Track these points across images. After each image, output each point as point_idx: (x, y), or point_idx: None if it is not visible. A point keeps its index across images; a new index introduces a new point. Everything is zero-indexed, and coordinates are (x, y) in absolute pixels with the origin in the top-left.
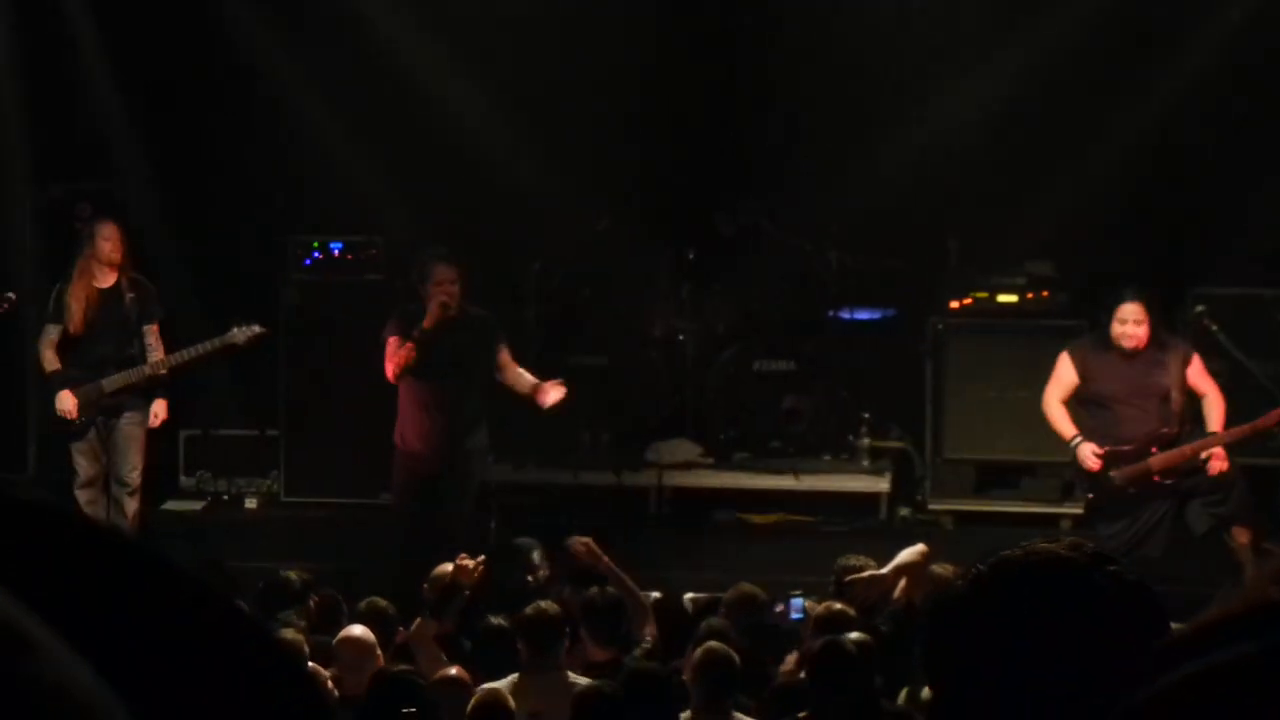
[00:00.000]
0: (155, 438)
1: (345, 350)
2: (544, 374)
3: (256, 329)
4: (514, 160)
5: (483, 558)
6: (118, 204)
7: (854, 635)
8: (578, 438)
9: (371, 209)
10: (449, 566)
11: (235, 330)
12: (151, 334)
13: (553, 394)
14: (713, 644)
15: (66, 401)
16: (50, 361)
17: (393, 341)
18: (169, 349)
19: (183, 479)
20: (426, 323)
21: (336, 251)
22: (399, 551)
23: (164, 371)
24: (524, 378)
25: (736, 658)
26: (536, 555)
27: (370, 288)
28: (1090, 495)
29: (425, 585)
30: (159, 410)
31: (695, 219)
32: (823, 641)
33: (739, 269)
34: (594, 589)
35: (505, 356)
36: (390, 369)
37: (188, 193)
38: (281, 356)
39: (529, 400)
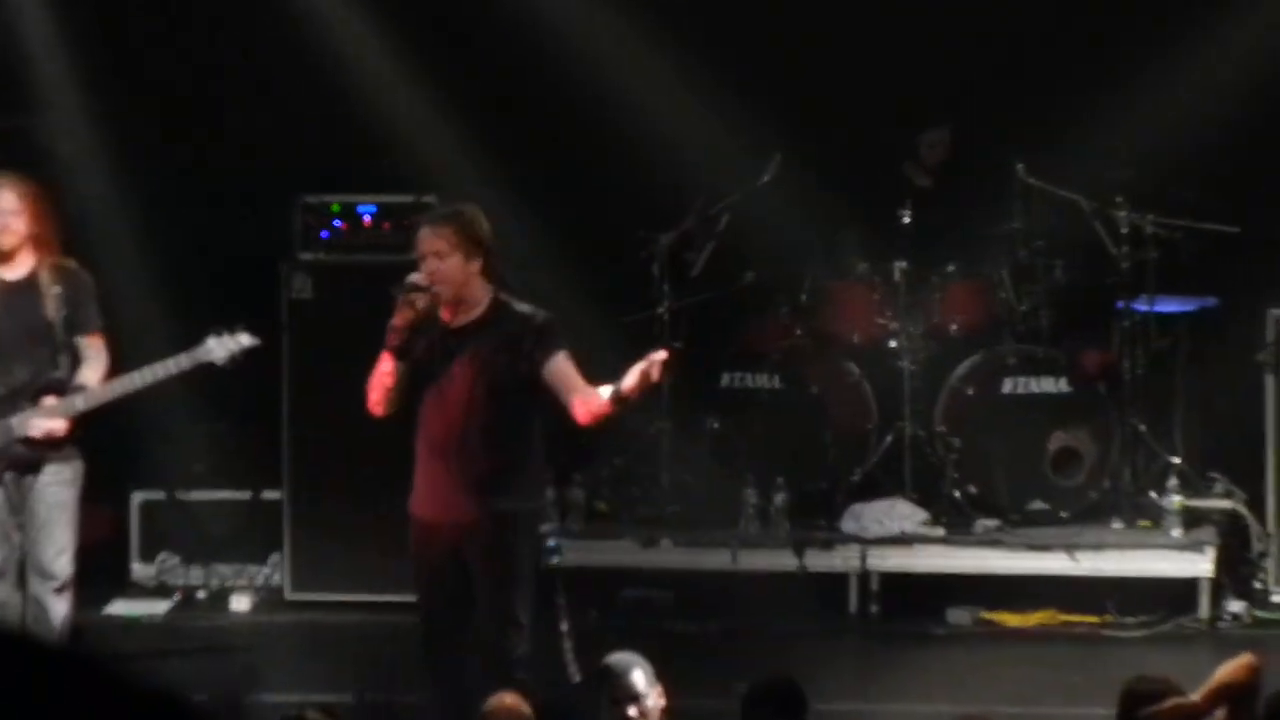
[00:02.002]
0: (92, 505)
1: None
2: (684, 404)
3: (244, 340)
4: (638, 90)
5: None
6: (37, 151)
7: None
8: (738, 499)
9: (422, 157)
10: (509, 700)
11: (212, 342)
12: (90, 347)
13: (640, 375)
14: None
15: None
16: None
17: (385, 354)
18: (116, 370)
19: (137, 567)
20: (396, 320)
21: (368, 218)
22: (428, 675)
23: (107, 400)
24: (600, 393)
25: None
26: (639, 678)
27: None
28: None
29: None
30: (52, 419)
31: (894, 166)
32: None
33: (972, 240)
34: None
35: (561, 370)
36: (371, 399)
37: (147, 137)
38: (286, 380)
39: (612, 412)
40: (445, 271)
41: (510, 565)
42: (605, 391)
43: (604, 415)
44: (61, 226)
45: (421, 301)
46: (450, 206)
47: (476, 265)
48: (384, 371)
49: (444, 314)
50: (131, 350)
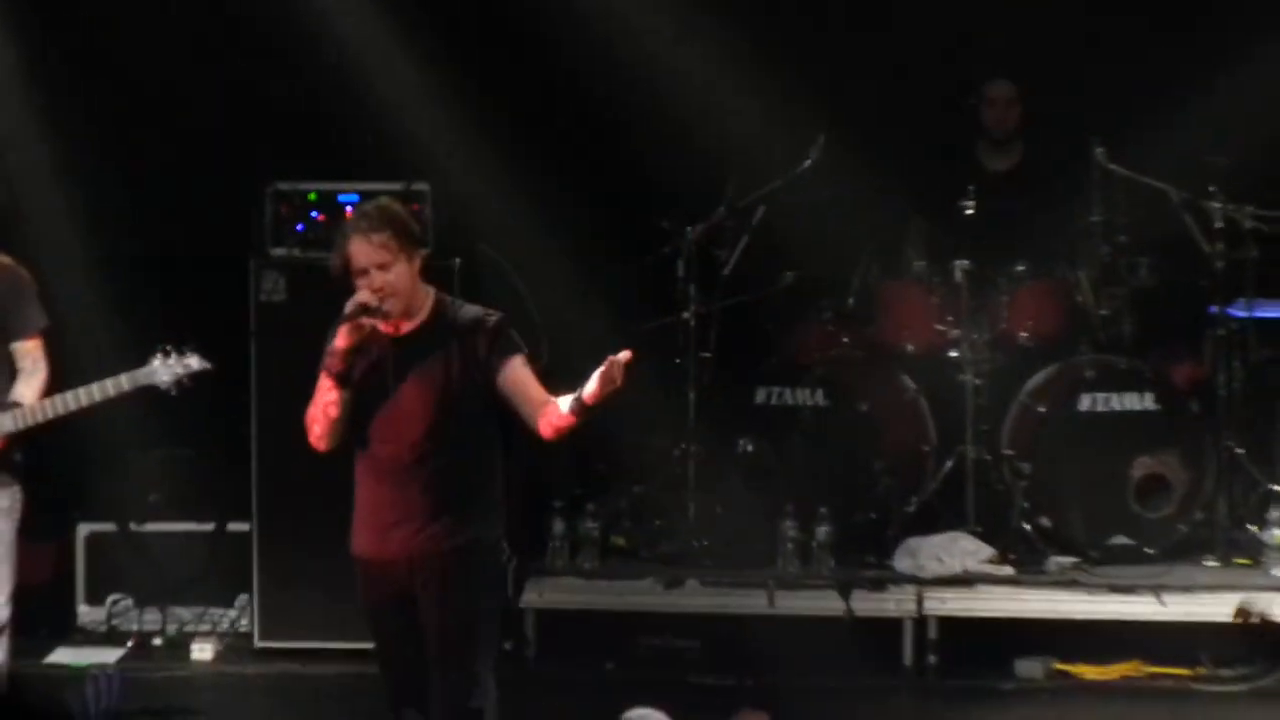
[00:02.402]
0: (32, 539)
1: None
2: (714, 424)
3: (193, 363)
4: (660, 62)
5: None
6: None
7: None
8: (775, 533)
9: (410, 137)
10: None
11: (157, 363)
12: (26, 356)
13: (601, 379)
14: None
15: None
16: None
17: (319, 384)
18: (60, 384)
19: (83, 609)
20: (339, 343)
21: (350, 208)
22: None
23: (41, 420)
24: (560, 403)
25: None
26: None
27: None
28: None
29: None
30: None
31: (956, 148)
32: None
33: (1045, 235)
34: None
35: (518, 378)
36: (312, 431)
37: (92, 111)
38: (254, 395)
39: (575, 423)
40: (393, 283)
41: (470, 605)
42: (565, 402)
43: (567, 428)
44: None
45: (371, 323)
46: (373, 206)
47: (417, 266)
48: (327, 402)
49: (384, 325)
50: (75, 362)
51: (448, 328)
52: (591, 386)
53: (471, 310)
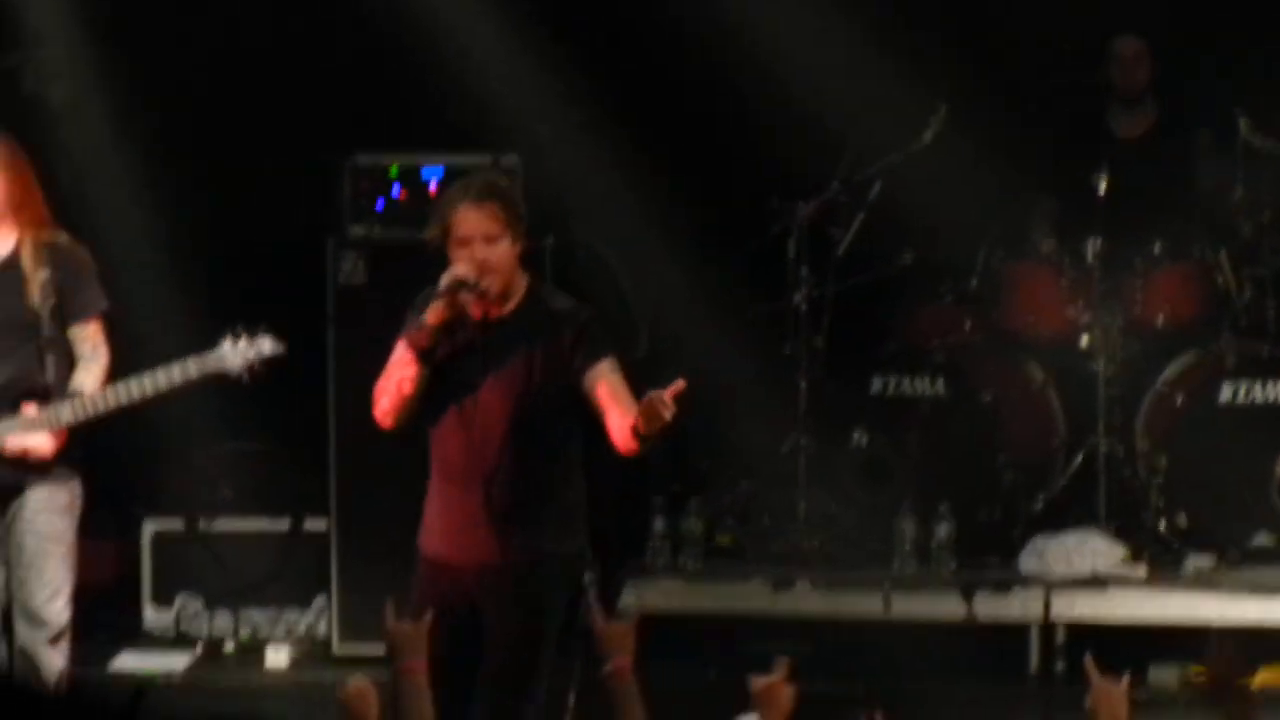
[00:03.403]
0: (94, 537)
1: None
2: (826, 415)
3: (265, 347)
4: (770, 27)
5: None
6: (22, 98)
7: None
8: (891, 532)
9: (499, 107)
10: None
11: (226, 347)
12: (85, 341)
13: (646, 411)
14: None
15: None
16: None
17: (395, 353)
18: (119, 373)
19: (150, 612)
20: (430, 318)
21: (434, 184)
22: None
23: (102, 411)
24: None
25: None
26: None
27: None
28: None
29: None
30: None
31: (1087, 118)
32: None
33: (1183, 212)
34: None
35: (607, 382)
36: (380, 403)
37: (160, 81)
38: (333, 384)
39: (637, 449)
40: (497, 260)
41: (536, 621)
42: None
43: (632, 451)
44: (51, 192)
45: (470, 299)
46: (483, 177)
47: (519, 249)
48: (404, 377)
49: (476, 308)
50: (139, 348)
51: (539, 319)
52: (639, 419)
53: (563, 302)
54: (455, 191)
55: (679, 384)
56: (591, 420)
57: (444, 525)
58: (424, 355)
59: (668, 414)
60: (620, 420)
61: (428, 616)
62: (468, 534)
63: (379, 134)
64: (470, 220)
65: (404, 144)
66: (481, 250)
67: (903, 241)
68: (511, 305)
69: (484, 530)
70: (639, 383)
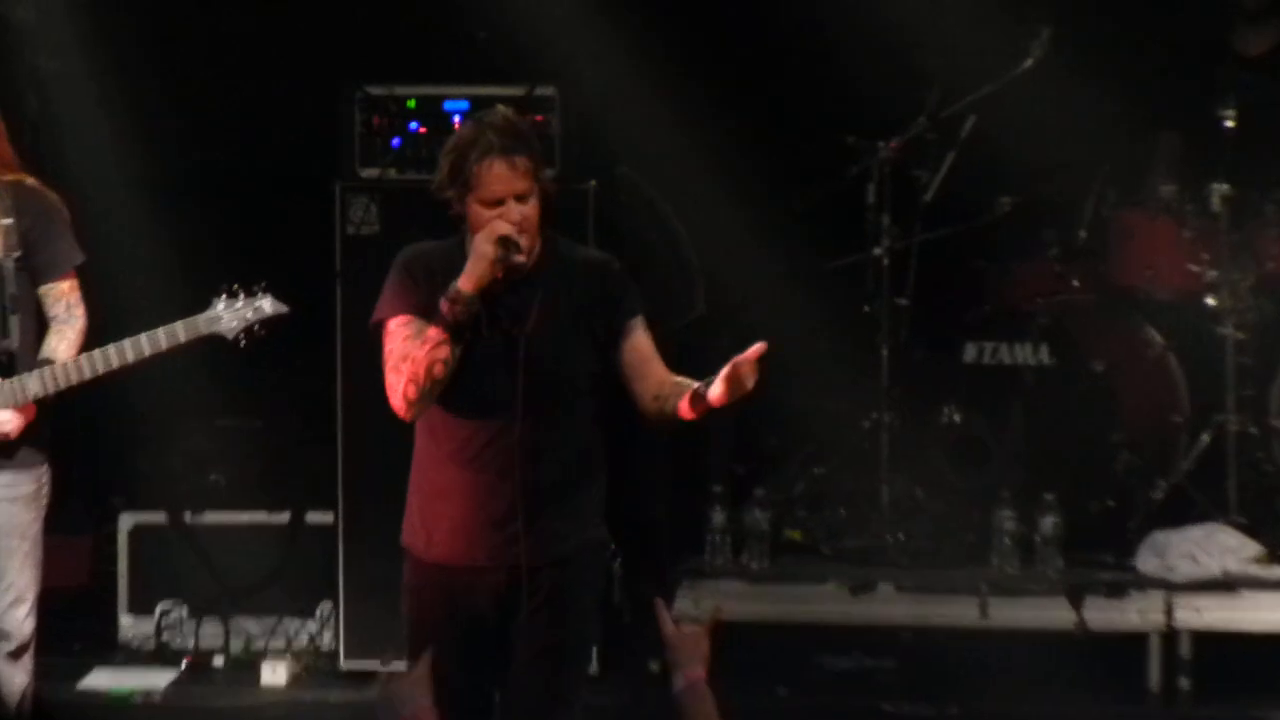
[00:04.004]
0: (64, 533)
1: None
2: (912, 388)
3: (265, 306)
4: None
5: None
6: None
7: None
8: (988, 525)
9: (532, 29)
10: None
11: (220, 307)
12: (58, 301)
13: (726, 383)
14: None
15: None
16: None
17: (399, 330)
18: (98, 338)
19: (126, 621)
20: (469, 285)
21: (458, 118)
22: None
23: (76, 382)
24: (679, 385)
25: None
26: None
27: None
28: None
29: None
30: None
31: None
32: None
33: None
34: None
35: (641, 344)
36: (402, 393)
37: (148, 10)
38: (340, 353)
39: (695, 417)
40: (531, 218)
41: (577, 624)
42: (684, 385)
43: (675, 421)
44: (16, 124)
45: (517, 262)
46: (501, 119)
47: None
48: (436, 359)
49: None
50: (120, 308)
51: (563, 275)
52: (717, 389)
53: (588, 254)
54: (474, 137)
55: (760, 346)
56: (618, 389)
57: (461, 521)
58: (459, 330)
59: (751, 382)
60: (652, 388)
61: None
62: (494, 530)
63: (392, 62)
64: (505, 178)
65: (421, 74)
66: (517, 211)
67: (999, 185)
68: (532, 262)
69: (516, 524)
70: (695, 347)
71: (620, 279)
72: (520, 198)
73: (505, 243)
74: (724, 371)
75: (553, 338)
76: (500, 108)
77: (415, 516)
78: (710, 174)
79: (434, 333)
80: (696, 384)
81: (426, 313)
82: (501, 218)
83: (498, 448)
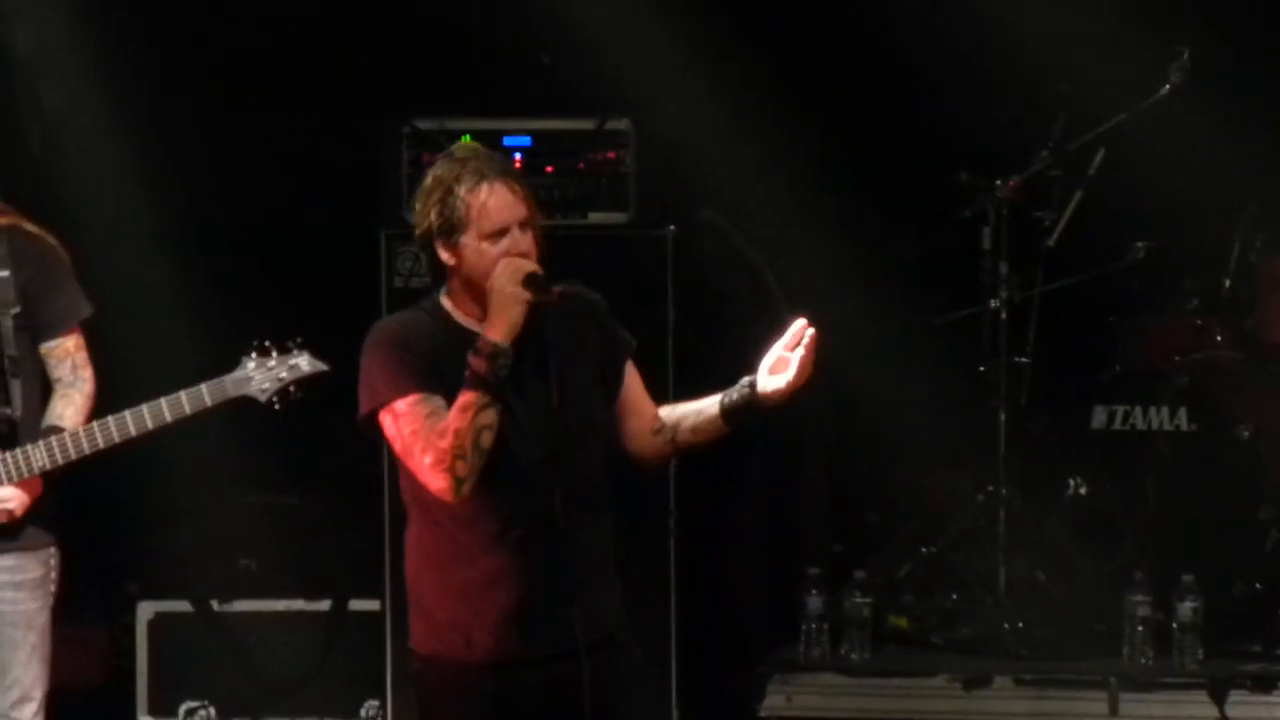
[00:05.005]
0: (75, 623)
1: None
2: (1035, 457)
3: (303, 364)
4: None
5: None
6: None
7: None
8: (1119, 610)
9: (611, 62)
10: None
11: (251, 366)
12: (63, 360)
13: (786, 366)
14: None
15: None
16: None
17: (414, 410)
18: (109, 404)
19: None
20: (501, 335)
21: (519, 156)
22: None
23: (88, 452)
24: (693, 407)
25: None
26: None
27: (602, 245)
28: None
29: None
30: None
31: None
32: None
33: None
34: None
35: (634, 381)
36: (449, 471)
37: (164, 29)
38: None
39: (728, 430)
40: (534, 252)
41: (639, 704)
42: (707, 406)
43: (688, 449)
44: (17, 162)
45: (547, 301)
46: (476, 149)
47: None
48: (481, 426)
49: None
50: (134, 371)
51: (561, 318)
52: (775, 383)
53: (567, 290)
54: (457, 170)
55: (801, 324)
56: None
57: (511, 612)
58: (501, 389)
59: (805, 371)
60: (652, 420)
61: None
62: (530, 617)
63: (444, 92)
64: (506, 202)
65: (477, 105)
66: (524, 241)
67: (1132, 229)
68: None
69: (559, 607)
70: (789, 409)
71: (609, 312)
72: (523, 227)
73: (534, 281)
74: (778, 349)
75: (574, 388)
76: (465, 141)
77: (439, 616)
78: (805, 218)
79: (472, 397)
80: (724, 394)
81: (433, 392)
82: (509, 251)
83: (541, 522)
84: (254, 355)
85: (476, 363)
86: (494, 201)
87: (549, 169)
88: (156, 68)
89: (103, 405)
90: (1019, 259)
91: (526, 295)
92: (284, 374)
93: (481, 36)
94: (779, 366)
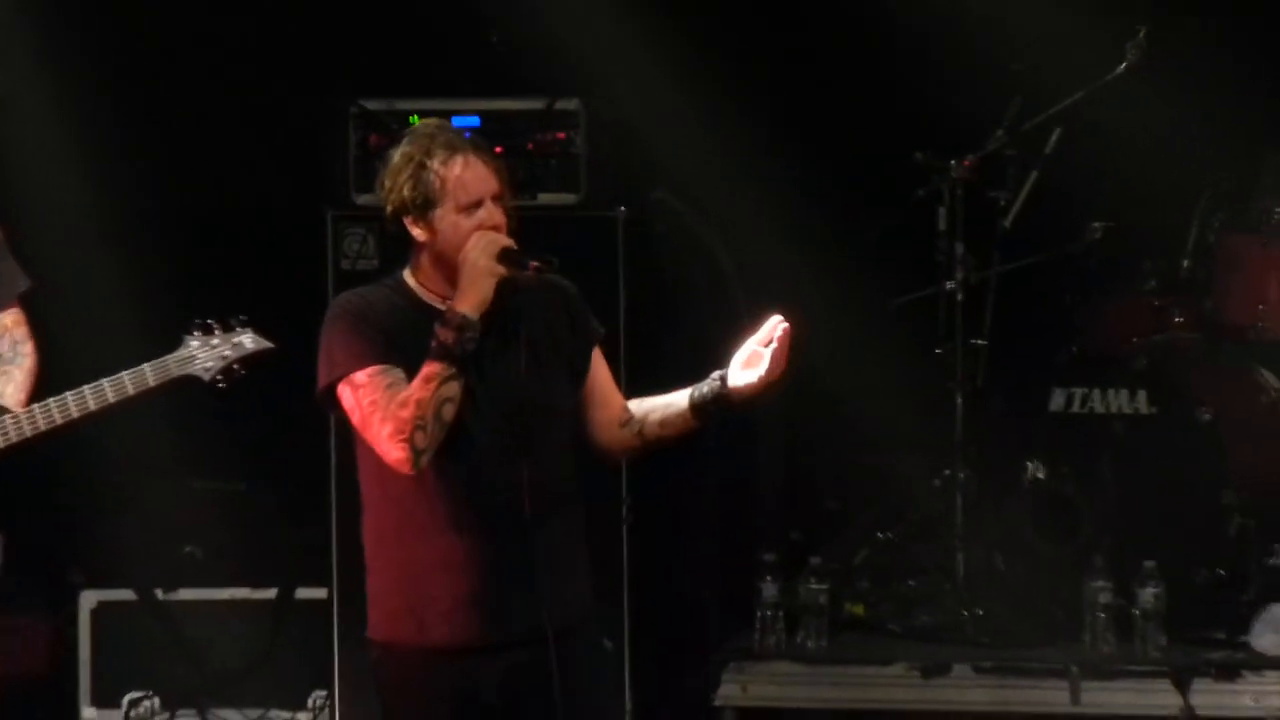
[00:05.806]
0: (16, 614)
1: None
2: (992, 441)
3: (246, 342)
4: None
5: None
6: None
7: None
8: (1079, 598)
9: (559, 41)
10: None
11: (194, 345)
12: (1, 337)
13: (759, 358)
14: None
15: None
16: None
17: (374, 381)
18: (52, 387)
19: (88, 714)
20: (464, 306)
21: (467, 135)
22: None
23: (30, 436)
24: (661, 400)
25: None
26: None
27: (552, 226)
28: None
29: None
30: None
31: None
32: None
33: None
34: None
35: (602, 368)
36: (408, 441)
37: (110, 13)
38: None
39: (697, 425)
40: (504, 224)
41: (593, 706)
42: (676, 399)
43: (655, 444)
44: None
45: (527, 275)
46: (439, 125)
47: None
48: (444, 398)
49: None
50: (77, 350)
51: (529, 300)
52: (747, 377)
53: (544, 266)
54: (426, 144)
55: (777, 321)
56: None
57: (467, 596)
58: (465, 362)
59: (777, 366)
60: (620, 411)
61: None
62: (494, 603)
63: (391, 72)
64: (480, 175)
65: (424, 85)
66: (496, 214)
67: (1089, 209)
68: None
69: (520, 593)
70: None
71: (580, 298)
72: (496, 200)
73: (508, 255)
74: (757, 338)
75: (540, 371)
76: (415, 121)
77: (395, 600)
78: (759, 199)
79: (436, 369)
80: (694, 388)
81: (393, 365)
82: (483, 224)
83: (504, 504)
84: (197, 334)
85: (444, 333)
86: (469, 174)
87: (498, 149)
88: (100, 49)
89: (45, 387)
90: (975, 240)
91: (500, 269)
92: (228, 352)
93: (429, 16)
94: (752, 361)
